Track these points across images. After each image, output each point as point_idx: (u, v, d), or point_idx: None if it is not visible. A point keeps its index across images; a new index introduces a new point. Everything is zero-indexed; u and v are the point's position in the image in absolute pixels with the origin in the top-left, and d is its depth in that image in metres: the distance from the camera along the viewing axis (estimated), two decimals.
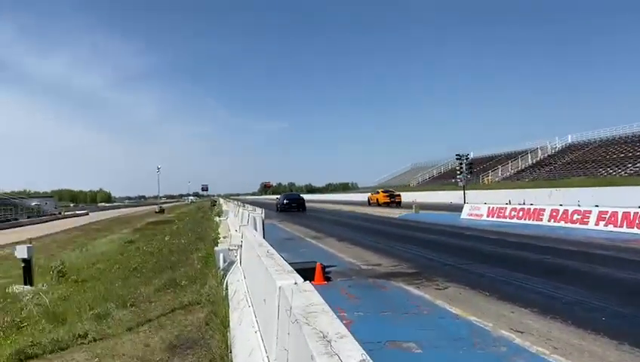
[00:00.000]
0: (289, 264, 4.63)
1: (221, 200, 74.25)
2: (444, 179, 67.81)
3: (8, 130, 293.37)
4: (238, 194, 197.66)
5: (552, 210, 21.13)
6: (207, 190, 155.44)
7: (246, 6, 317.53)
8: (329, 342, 2.05)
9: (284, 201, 46.45)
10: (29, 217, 58.10)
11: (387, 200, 48.66)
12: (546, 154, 57.75)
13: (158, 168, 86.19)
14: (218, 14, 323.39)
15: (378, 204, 48.81)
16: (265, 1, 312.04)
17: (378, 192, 52.93)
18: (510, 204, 25.64)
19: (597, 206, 19.41)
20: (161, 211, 71.75)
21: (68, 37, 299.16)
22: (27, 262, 15.04)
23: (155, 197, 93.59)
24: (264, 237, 9.49)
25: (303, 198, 48.77)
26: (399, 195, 50.05)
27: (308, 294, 2.97)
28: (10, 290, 14.39)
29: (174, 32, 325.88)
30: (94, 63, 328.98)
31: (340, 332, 2.17)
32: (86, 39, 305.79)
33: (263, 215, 13.59)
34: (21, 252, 14.85)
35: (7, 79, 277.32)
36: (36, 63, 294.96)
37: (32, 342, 7.45)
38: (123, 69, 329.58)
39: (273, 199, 76.11)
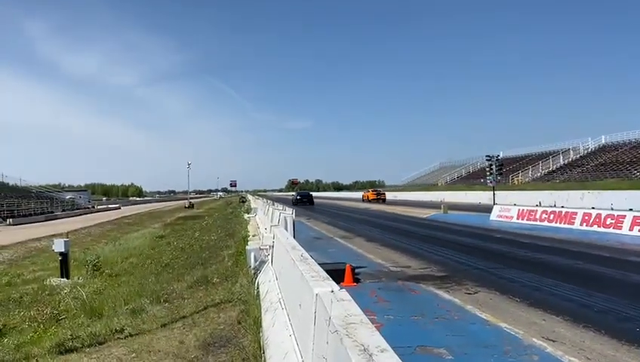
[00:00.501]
0: (318, 264, 4.73)
1: (249, 197, 75.01)
2: (472, 179, 67.02)
3: (44, 125, 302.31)
4: (265, 191, 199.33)
5: (584, 213, 20.74)
6: (235, 186, 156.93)
7: (272, 4, 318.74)
8: (370, 355, 2.11)
9: (298, 197, 60.16)
10: (63, 210, 59.71)
11: (375, 197, 63.43)
12: (578, 155, 56.42)
13: (189, 164, 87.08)
14: (245, 11, 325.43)
15: (369, 201, 62.17)
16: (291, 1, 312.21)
17: (369, 191, 69.00)
18: (541, 205, 25.31)
19: (631, 210, 19.00)
20: (191, 206, 72.79)
21: (103, 35, 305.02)
22: (64, 256, 15.55)
23: (185, 192, 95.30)
24: (294, 237, 9.63)
25: (311, 195, 64.64)
26: (384, 193, 65.85)
27: (346, 304, 3.03)
28: (48, 282, 14.93)
29: (203, 30, 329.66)
30: (128, 61, 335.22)
31: (380, 345, 2.23)
32: (120, 38, 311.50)
33: (294, 215, 13.70)
34: (59, 246, 15.36)
35: (44, 75, 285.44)
36: (72, 60, 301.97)
37: (71, 335, 7.72)
38: (155, 66, 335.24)
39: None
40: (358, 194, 78.12)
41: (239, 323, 7.12)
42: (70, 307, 10.81)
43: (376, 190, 69.41)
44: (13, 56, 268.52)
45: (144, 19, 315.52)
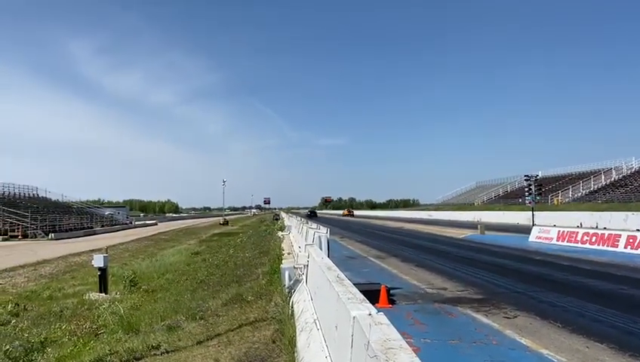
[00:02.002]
0: (353, 284, 4.70)
1: (283, 215, 75.39)
2: (510, 198, 65.80)
3: (85, 142, 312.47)
4: (298, 208, 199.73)
5: (628, 236, 20.01)
6: (269, 203, 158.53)
7: (307, 23, 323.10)
8: None
9: (308, 212, 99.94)
10: (102, 226, 61.14)
11: (348, 213, 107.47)
12: (621, 175, 54.76)
13: (224, 181, 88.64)
14: (281, 31, 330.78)
15: (344, 216, 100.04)
16: (325, 19, 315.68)
17: (345, 210, 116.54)
18: (582, 227, 24.53)
19: None
20: (226, 223, 73.41)
21: (142, 55, 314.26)
22: (103, 271, 15.84)
23: (220, 209, 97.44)
24: (328, 256, 9.59)
25: (316, 211, 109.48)
26: (353, 211, 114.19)
27: (384, 328, 2.99)
28: (87, 297, 15.23)
29: (240, 50, 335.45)
30: (166, 80, 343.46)
31: None
32: (159, 57, 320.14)
33: (328, 234, 13.66)
34: (98, 261, 15.67)
35: (86, 94, 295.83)
36: (114, 79, 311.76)
37: (109, 350, 7.83)
38: (192, 85, 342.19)
39: (333, 214, 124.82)
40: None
41: (274, 342, 7.10)
42: (108, 322, 10.98)
43: (349, 209, 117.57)
44: (58, 76, 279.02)
45: (183, 40, 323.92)
